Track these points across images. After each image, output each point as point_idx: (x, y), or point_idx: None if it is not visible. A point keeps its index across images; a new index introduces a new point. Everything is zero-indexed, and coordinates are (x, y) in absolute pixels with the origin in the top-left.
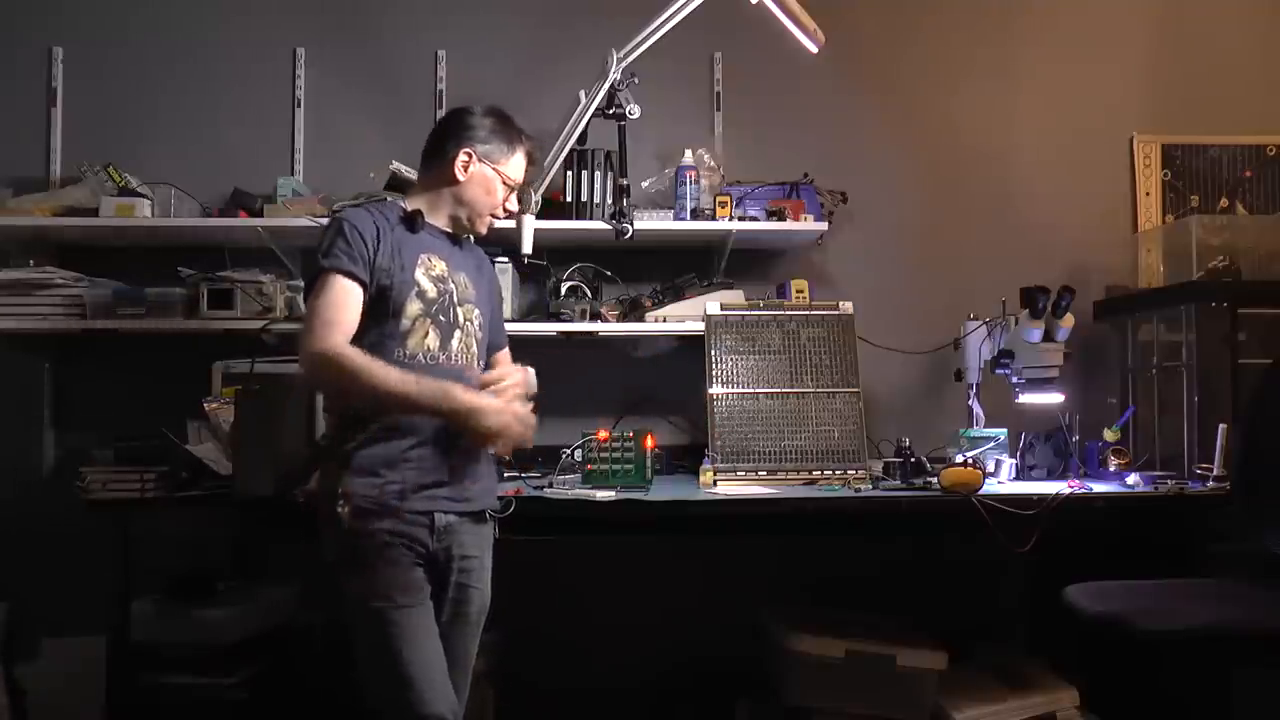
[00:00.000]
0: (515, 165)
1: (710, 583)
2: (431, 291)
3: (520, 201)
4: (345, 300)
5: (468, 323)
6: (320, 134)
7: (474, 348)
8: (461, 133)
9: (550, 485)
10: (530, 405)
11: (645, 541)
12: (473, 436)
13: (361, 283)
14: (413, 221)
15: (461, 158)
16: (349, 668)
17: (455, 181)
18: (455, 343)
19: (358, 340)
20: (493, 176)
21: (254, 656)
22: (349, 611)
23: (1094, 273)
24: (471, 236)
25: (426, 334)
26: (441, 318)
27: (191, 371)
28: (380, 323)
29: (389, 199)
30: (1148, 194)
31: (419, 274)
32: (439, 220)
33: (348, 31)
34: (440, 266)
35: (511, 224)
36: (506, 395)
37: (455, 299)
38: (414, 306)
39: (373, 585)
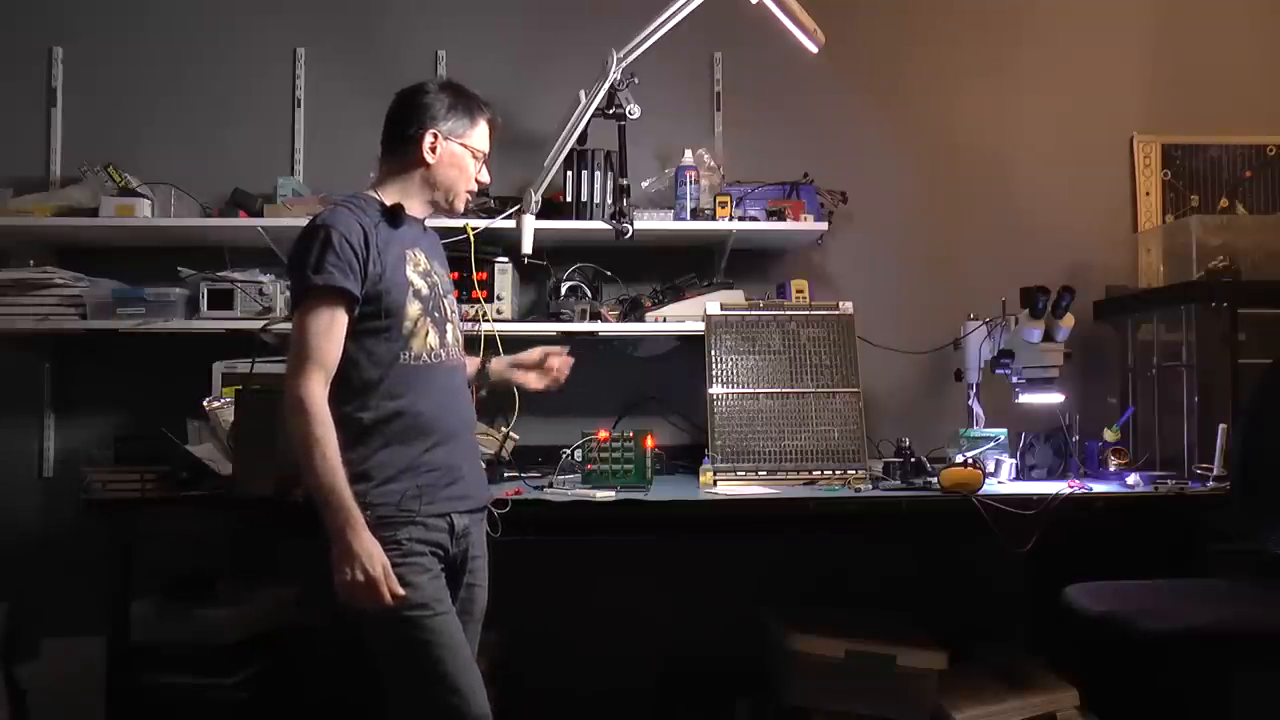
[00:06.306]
0: (480, 135)
1: (710, 583)
2: (425, 289)
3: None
4: (332, 328)
5: (453, 313)
6: (320, 134)
7: (460, 338)
8: (421, 114)
9: (550, 485)
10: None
11: (645, 541)
12: (335, 571)
13: (354, 297)
14: (396, 217)
15: (428, 139)
16: (349, 668)
17: (425, 165)
18: (449, 336)
19: (363, 352)
20: (462, 153)
21: (254, 656)
22: (376, 623)
23: (1094, 273)
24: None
25: (427, 333)
26: (436, 313)
27: (191, 371)
28: (383, 329)
29: (363, 195)
30: (1148, 194)
31: (409, 272)
32: (415, 208)
33: (348, 31)
34: (423, 260)
35: (511, 223)
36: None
37: (441, 291)
38: (414, 307)
39: (406, 595)
